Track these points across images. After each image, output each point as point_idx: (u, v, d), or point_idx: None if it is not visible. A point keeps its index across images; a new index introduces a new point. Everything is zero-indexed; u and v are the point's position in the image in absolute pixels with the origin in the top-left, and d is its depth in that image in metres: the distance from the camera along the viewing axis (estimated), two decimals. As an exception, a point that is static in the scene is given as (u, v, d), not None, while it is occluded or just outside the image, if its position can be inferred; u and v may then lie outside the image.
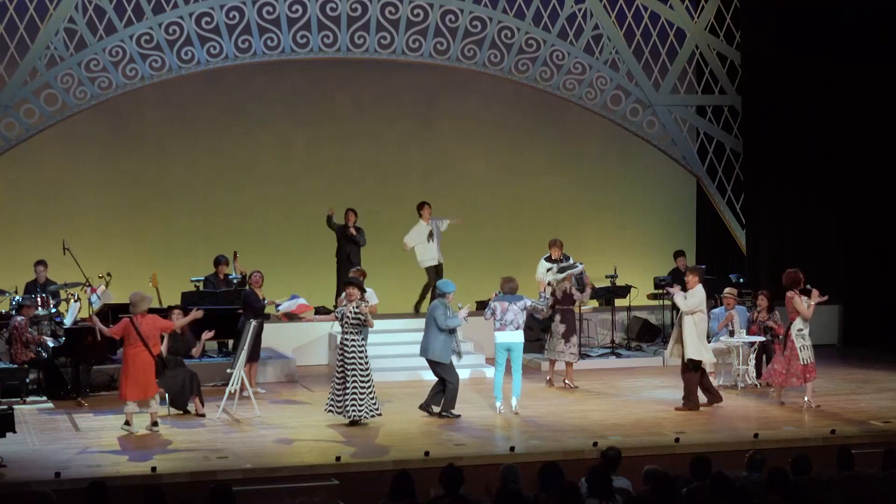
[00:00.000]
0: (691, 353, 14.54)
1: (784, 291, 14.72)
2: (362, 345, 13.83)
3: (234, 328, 15.72)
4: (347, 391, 13.66)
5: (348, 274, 15.84)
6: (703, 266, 18.99)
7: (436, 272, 18.42)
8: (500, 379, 14.55)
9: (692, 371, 14.65)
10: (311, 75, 20.66)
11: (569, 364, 16.30)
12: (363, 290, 14.22)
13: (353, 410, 13.66)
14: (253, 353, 15.12)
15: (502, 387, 14.54)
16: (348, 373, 13.67)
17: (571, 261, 16.87)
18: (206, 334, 14.76)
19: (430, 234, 18.51)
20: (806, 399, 14.63)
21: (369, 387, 13.77)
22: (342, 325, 13.86)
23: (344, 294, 14.16)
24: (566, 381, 16.29)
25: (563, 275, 16.29)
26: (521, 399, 14.59)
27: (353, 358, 13.71)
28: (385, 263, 19.41)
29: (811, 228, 20.14)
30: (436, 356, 14.36)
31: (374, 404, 13.81)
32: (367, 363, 13.80)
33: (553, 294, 16.15)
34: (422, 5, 19.21)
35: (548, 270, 17.01)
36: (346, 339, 13.78)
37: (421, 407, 14.46)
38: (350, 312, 13.77)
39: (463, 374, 16.46)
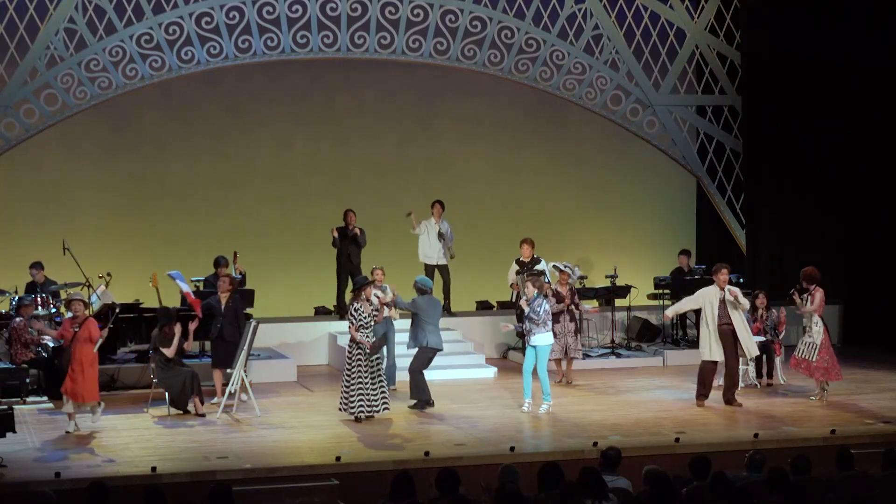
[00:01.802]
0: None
1: (805, 286, 14.95)
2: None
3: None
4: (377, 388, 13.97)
5: (350, 274, 15.86)
6: (704, 266, 19.02)
7: (436, 271, 18.45)
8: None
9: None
10: (311, 75, 20.64)
11: (571, 360, 16.38)
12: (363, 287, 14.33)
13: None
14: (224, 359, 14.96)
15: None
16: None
17: (543, 263, 16.90)
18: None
19: (440, 234, 18.47)
20: (825, 391, 15.04)
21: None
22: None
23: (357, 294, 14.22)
24: (566, 377, 16.38)
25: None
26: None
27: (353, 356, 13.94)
28: (384, 263, 19.33)
29: (811, 228, 20.15)
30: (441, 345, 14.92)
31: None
32: (361, 360, 13.95)
33: (556, 293, 16.22)
34: (422, 5, 19.20)
35: (514, 273, 17.11)
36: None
37: (419, 406, 14.56)
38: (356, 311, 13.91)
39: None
